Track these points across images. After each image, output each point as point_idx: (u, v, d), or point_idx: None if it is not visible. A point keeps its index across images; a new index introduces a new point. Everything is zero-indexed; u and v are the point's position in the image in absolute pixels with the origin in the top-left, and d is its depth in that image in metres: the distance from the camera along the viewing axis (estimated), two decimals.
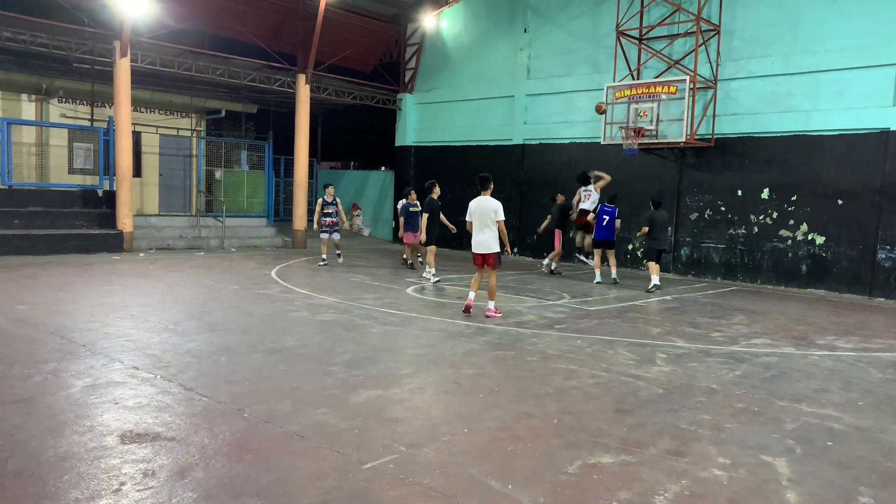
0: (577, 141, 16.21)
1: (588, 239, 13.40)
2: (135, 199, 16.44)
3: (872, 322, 9.69)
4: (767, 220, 13.49)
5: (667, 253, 13.26)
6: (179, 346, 6.49)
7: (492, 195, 8.55)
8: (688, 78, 13.23)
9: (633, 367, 6.40)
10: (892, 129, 12.00)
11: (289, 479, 3.66)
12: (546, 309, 9.57)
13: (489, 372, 6.05)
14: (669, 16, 14.30)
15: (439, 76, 19.44)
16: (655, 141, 13.68)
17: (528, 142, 17.35)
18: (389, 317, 8.47)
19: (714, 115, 13.96)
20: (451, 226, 12.86)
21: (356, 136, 28.08)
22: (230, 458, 3.90)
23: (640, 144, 13.80)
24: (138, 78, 15.81)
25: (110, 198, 15.38)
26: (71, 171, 16.73)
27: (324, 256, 13.61)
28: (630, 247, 15.27)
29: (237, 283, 10.82)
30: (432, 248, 12.03)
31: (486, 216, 8.41)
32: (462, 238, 17.39)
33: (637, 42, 14.73)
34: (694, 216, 14.49)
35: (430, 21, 18.97)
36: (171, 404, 4.80)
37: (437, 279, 11.60)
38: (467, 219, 8.66)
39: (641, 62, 14.77)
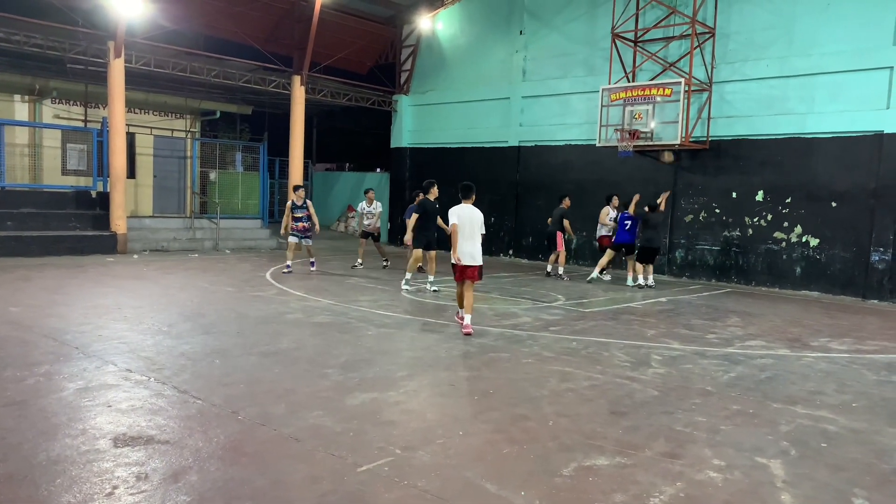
0: (573, 143, 16.23)
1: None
2: (129, 201, 16.38)
3: (866, 324, 9.72)
4: (762, 222, 13.53)
5: (660, 255, 13.34)
6: (173, 349, 6.46)
7: (475, 203, 8.10)
8: (683, 80, 13.27)
9: (629, 369, 6.40)
10: (885, 132, 12.06)
11: (284, 483, 3.64)
12: (541, 311, 9.57)
13: (484, 374, 6.04)
14: (665, 18, 14.34)
15: (435, 78, 19.45)
16: (650, 143, 13.72)
17: (523, 144, 17.36)
18: (385, 319, 8.45)
19: (709, 118, 14.00)
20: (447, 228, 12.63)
21: (351, 138, 28.04)
22: (224, 462, 3.88)
23: (635, 147, 13.84)
24: (132, 79, 15.75)
25: (104, 199, 15.31)
26: (64, 172, 16.66)
27: (288, 263, 12.43)
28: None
29: (232, 286, 10.78)
30: (432, 255, 11.01)
31: (475, 226, 7.90)
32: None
33: (632, 45, 14.77)
34: (689, 218, 14.52)
35: (425, 23, 18.98)
36: (165, 407, 4.78)
37: (434, 288, 10.74)
38: (456, 222, 7.86)
39: (637, 65, 14.80)
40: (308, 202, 12.66)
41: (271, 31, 17.95)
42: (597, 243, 14.27)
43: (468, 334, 7.62)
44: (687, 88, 13.32)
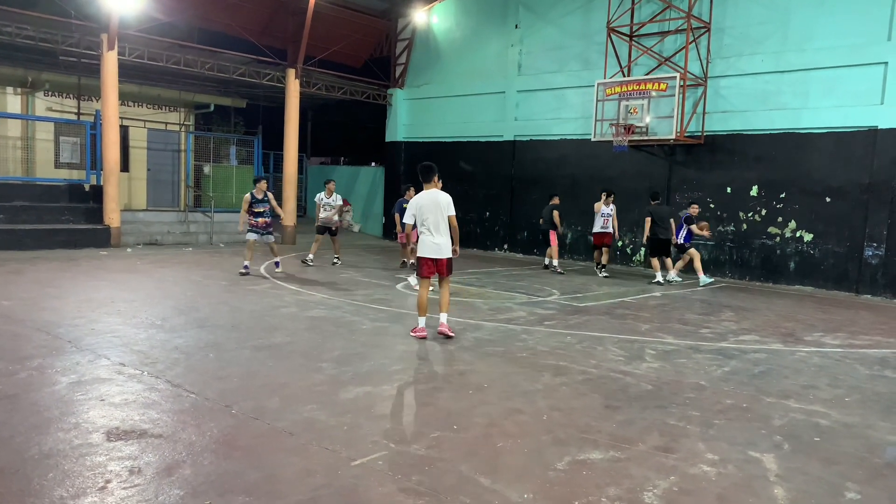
0: (568, 137, 16.22)
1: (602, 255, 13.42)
2: (122, 194, 16.31)
3: (859, 319, 9.77)
4: (756, 217, 13.57)
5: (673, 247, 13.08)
6: (167, 343, 6.44)
7: (443, 189, 7.22)
8: (678, 75, 13.27)
9: (623, 363, 6.41)
10: (880, 128, 12.10)
11: (277, 476, 3.63)
12: (536, 305, 9.57)
13: (478, 368, 6.04)
14: (660, 13, 14.33)
15: (430, 72, 19.39)
16: (645, 138, 13.72)
17: (519, 138, 17.34)
18: (379, 313, 8.44)
19: (704, 113, 14.01)
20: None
21: (346, 132, 27.94)
22: (218, 455, 3.87)
23: (630, 141, 13.84)
24: (126, 71, 15.65)
25: (97, 192, 15.23)
26: (57, 165, 16.55)
27: (246, 263, 11.15)
28: (619, 243, 15.31)
29: (225, 279, 10.75)
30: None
31: (439, 213, 6.98)
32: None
33: (628, 39, 14.75)
34: (683, 213, 14.52)
35: (420, 16, 18.91)
36: (159, 401, 4.76)
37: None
38: (408, 220, 7.15)
39: (632, 59, 14.79)
40: (269, 194, 11.27)
41: (266, 23, 17.87)
42: (590, 238, 14.18)
43: (447, 336, 7.04)
44: (682, 83, 13.32)
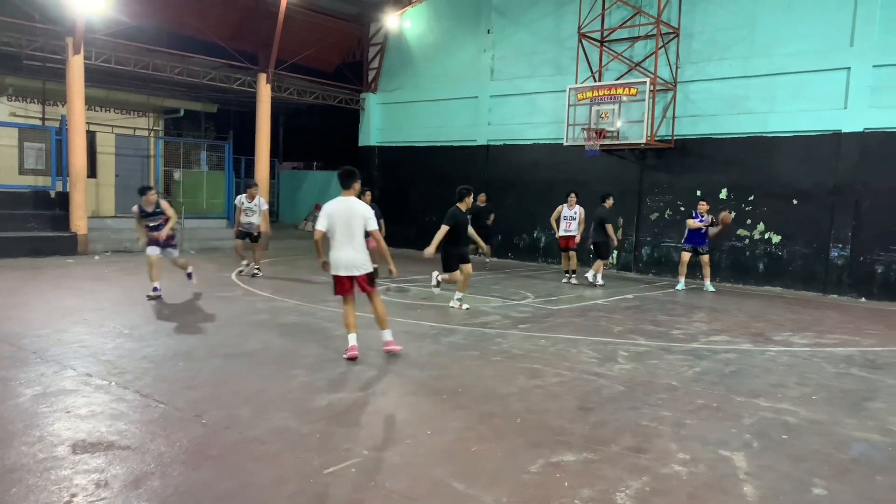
0: (541, 142, 16.33)
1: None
2: (90, 201, 15.98)
3: (826, 318, 9.99)
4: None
5: (614, 250, 12.99)
6: (136, 352, 6.31)
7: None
8: (648, 80, 13.46)
9: (596, 365, 6.46)
10: (843, 131, 12.40)
11: (249, 485, 3.58)
12: (510, 309, 9.60)
13: (453, 373, 6.03)
14: (630, 18, 14.52)
15: (403, 76, 19.38)
16: (617, 142, 13.87)
17: (492, 142, 17.41)
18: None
19: (674, 117, 14.22)
20: (482, 244, 11.51)
21: (319, 137, 27.78)
22: (188, 466, 3.80)
23: (601, 146, 13.98)
24: (92, 76, 15.35)
25: (63, 199, 14.89)
26: (22, 171, 16.18)
27: (155, 286, 9.29)
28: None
29: (197, 286, 10.58)
30: (467, 269, 9.26)
31: (352, 224, 6.17)
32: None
33: (599, 44, 14.92)
34: (654, 216, 14.73)
35: (393, 21, 18.90)
36: (126, 412, 4.66)
37: (466, 306, 9.30)
38: (322, 228, 6.23)
39: (603, 64, 14.96)
40: (163, 203, 9.46)
41: (236, 28, 17.67)
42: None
43: (393, 352, 6.47)
44: (652, 88, 13.50)
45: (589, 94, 14.13)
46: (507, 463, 4.01)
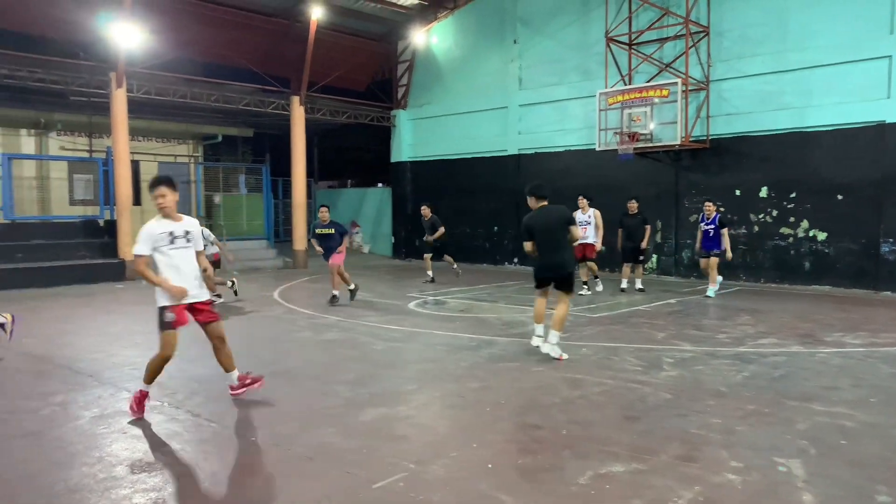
0: (572, 149, 16.26)
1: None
2: (136, 228, 16.45)
3: (879, 316, 9.65)
4: (767, 218, 13.49)
5: (644, 255, 12.56)
6: (185, 372, 6.48)
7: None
8: (679, 81, 13.30)
9: (640, 372, 6.37)
10: (888, 122, 12.03)
11: (298, 503, 3.64)
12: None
13: (494, 384, 6.03)
14: (658, 20, 14.40)
15: (432, 91, 19.55)
16: (650, 145, 13.72)
17: (523, 152, 17.40)
18: (392, 333, 8.45)
19: (708, 117, 14.00)
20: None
21: (352, 155, 28.17)
22: (240, 485, 3.89)
23: (635, 149, 13.85)
24: (134, 107, 15.93)
25: (111, 227, 15.44)
26: (72, 202, 16.83)
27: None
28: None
29: (240, 306, 10.82)
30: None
31: (189, 248, 5.25)
32: (470, 248, 17.46)
33: (627, 48, 14.82)
34: (693, 218, 14.46)
35: (420, 37, 19.12)
36: (180, 431, 4.79)
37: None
38: (142, 251, 5.11)
39: (632, 67, 14.85)
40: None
41: (268, 53, 18.13)
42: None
43: (237, 395, 5.49)
44: (684, 88, 13.34)
45: (619, 97, 14.03)
46: (554, 475, 3.98)
